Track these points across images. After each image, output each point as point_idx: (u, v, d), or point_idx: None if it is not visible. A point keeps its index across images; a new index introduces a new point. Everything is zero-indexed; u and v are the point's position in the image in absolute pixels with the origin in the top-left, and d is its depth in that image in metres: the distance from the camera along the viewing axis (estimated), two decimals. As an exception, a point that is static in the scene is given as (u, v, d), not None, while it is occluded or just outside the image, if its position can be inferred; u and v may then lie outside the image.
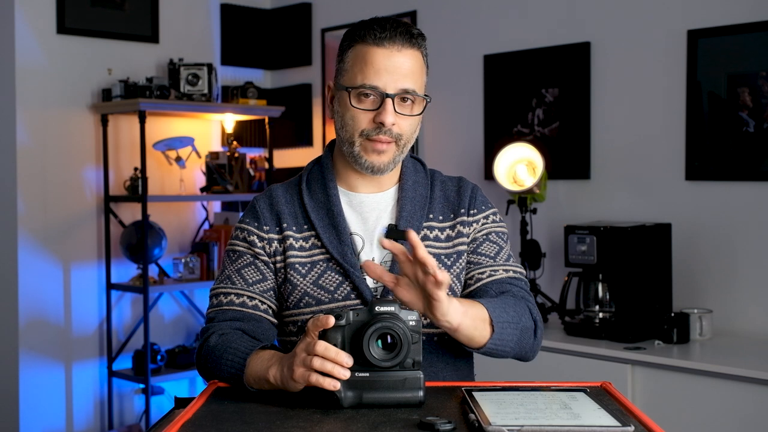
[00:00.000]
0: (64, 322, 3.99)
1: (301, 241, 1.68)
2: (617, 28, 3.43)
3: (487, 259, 1.72)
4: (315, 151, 4.56)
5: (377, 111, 1.61)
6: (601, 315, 3.12)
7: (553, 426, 1.23)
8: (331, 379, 1.34)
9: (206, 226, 4.43)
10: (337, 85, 1.67)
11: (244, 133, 4.60)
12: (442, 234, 1.72)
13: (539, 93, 3.65)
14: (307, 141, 4.60)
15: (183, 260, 4.13)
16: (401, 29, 1.62)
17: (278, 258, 1.69)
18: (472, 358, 1.76)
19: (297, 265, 1.67)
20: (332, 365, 1.34)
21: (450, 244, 1.71)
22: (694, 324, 2.98)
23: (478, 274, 1.71)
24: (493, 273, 1.71)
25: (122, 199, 4.04)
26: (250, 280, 1.68)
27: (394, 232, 1.68)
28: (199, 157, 4.29)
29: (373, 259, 1.68)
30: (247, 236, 1.71)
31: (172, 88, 4.08)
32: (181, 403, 1.56)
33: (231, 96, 4.37)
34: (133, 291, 4.03)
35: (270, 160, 4.35)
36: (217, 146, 4.54)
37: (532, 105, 3.68)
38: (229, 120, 4.42)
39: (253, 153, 4.60)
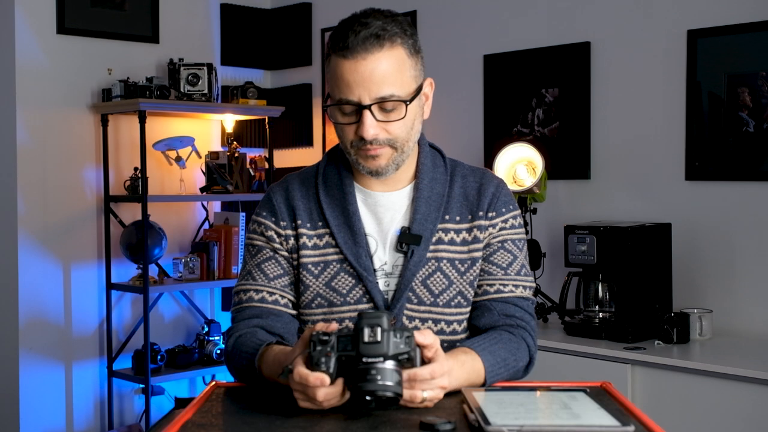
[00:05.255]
0: (64, 322, 3.99)
1: (315, 239, 1.66)
2: (617, 28, 3.42)
3: (499, 270, 1.67)
4: (315, 151, 4.56)
5: (358, 123, 1.54)
6: (601, 315, 3.12)
7: (553, 426, 1.22)
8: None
9: (206, 226, 4.43)
10: (325, 97, 1.63)
11: (244, 133, 4.60)
12: (458, 237, 1.66)
13: (539, 93, 3.65)
14: (307, 141, 4.60)
15: (183, 260, 4.13)
16: (364, 33, 1.52)
17: (294, 255, 1.67)
18: None
19: (310, 266, 1.65)
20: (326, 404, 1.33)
21: (465, 248, 1.66)
22: (694, 324, 2.98)
23: (487, 285, 1.67)
24: (501, 288, 1.66)
25: (122, 199, 4.04)
26: (271, 275, 1.67)
27: (407, 237, 1.63)
28: (199, 157, 4.29)
29: (385, 263, 1.65)
30: (264, 231, 1.69)
31: (172, 88, 4.08)
32: (181, 403, 1.56)
33: (231, 96, 4.36)
34: (133, 291, 4.03)
35: (270, 160, 4.34)
36: (217, 146, 4.54)
37: (532, 105, 3.68)
38: (229, 120, 4.42)
39: (253, 153, 4.59)
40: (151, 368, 3.91)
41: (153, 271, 4.16)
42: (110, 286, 4.07)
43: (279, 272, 1.67)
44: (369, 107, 1.53)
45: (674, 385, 2.75)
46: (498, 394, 1.39)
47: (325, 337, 1.30)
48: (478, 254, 1.67)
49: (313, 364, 1.30)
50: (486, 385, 1.53)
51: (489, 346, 1.56)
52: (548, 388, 1.44)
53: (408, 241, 1.63)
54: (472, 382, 1.50)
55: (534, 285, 1.73)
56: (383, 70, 1.53)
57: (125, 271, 4.15)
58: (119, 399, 4.18)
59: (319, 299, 1.64)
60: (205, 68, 4.11)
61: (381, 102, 1.53)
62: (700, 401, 2.70)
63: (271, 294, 1.66)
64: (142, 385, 4.02)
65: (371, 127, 1.54)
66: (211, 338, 4.20)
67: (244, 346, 1.57)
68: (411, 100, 1.57)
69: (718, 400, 2.66)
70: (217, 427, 1.29)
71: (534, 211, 3.44)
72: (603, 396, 1.43)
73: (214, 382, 1.56)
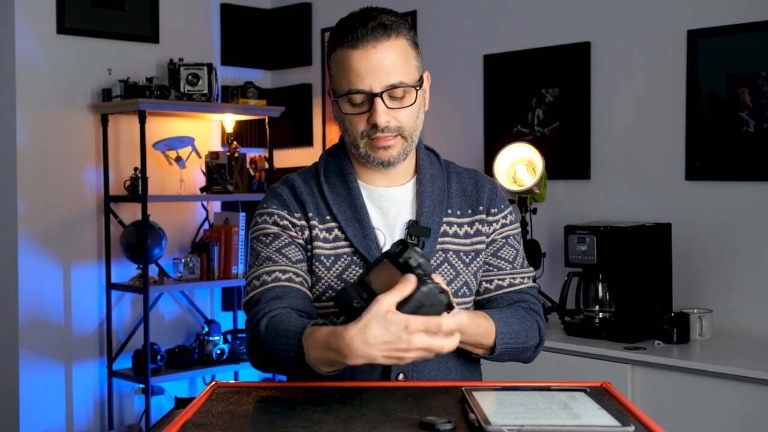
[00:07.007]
0: (64, 322, 3.99)
1: (324, 232, 1.67)
2: (617, 28, 3.42)
3: (507, 264, 1.75)
4: (315, 151, 4.56)
5: (369, 112, 1.59)
6: (601, 315, 3.12)
7: (553, 426, 1.23)
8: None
9: (206, 226, 4.43)
10: (330, 92, 1.66)
11: (244, 133, 4.61)
12: (460, 230, 1.72)
13: (539, 93, 3.65)
14: (307, 141, 4.60)
15: (183, 260, 4.13)
16: (372, 24, 1.58)
17: (308, 246, 1.67)
18: (479, 360, 1.78)
19: (322, 257, 1.65)
20: (440, 343, 1.36)
21: (468, 241, 1.72)
22: (694, 324, 2.98)
23: (499, 279, 1.74)
24: (512, 281, 1.74)
25: (122, 199, 4.04)
26: (294, 259, 1.64)
27: (415, 228, 1.68)
28: (199, 157, 4.29)
29: None
30: (278, 220, 1.67)
31: (172, 88, 4.08)
32: (181, 403, 1.56)
33: (231, 96, 4.36)
34: (133, 291, 4.03)
35: (270, 160, 4.35)
36: (217, 146, 4.54)
37: (532, 105, 3.68)
38: (229, 120, 4.42)
39: (253, 153, 4.60)
40: (151, 368, 3.91)
41: (153, 271, 4.16)
42: (110, 286, 4.07)
43: (300, 257, 1.65)
44: (380, 95, 1.58)
45: (674, 385, 2.75)
46: (498, 394, 1.39)
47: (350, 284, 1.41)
48: (481, 246, 1.73)
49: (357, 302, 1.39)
50: (495, 351, 1.61)
51: (504, 317, 1.64)
52: (548, 388, 1.44)
53: (418, 233, 1.67)
54: (482, 344, 1.59)
55: (533, 272, 1.82)
56: (392, 59, 1.59)
57: (125, 271, 4.15)
58: (119, 399, 4.18)
59: (330, 291, 1.65)
60: (205, 68, 4.11)
61: (391, 89, 1.59)
62: (700, 401, 2.70)
63: (297, 275, 1.63)
64: (142, 385, 4.02)
65: (383, 113, 1.59)
66: (211, 338, 4.20)
67: (283, 324, 1.50)
68: (419, 86, 1.63)
69: (718, 400, 2.66)
70: (217, 427, 1.29)
71: (534, 211, 3.44)
72: (603, 396, 1.43)
73: (214, 382, 1.56)
